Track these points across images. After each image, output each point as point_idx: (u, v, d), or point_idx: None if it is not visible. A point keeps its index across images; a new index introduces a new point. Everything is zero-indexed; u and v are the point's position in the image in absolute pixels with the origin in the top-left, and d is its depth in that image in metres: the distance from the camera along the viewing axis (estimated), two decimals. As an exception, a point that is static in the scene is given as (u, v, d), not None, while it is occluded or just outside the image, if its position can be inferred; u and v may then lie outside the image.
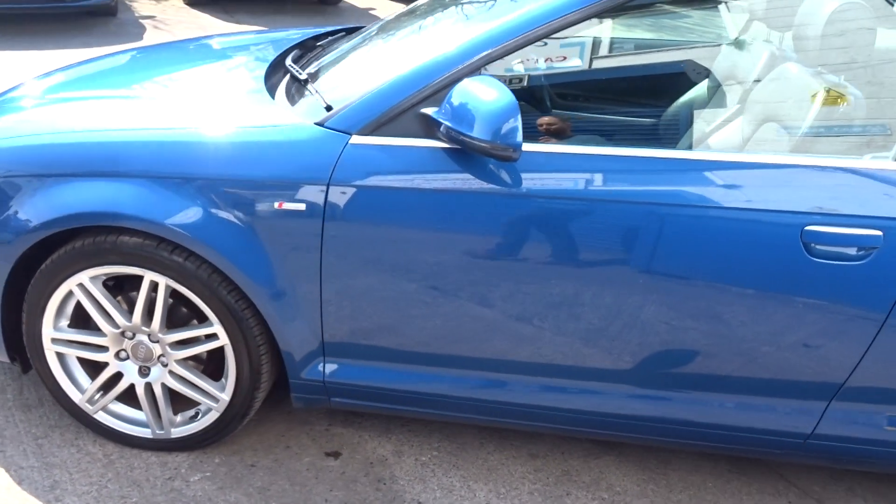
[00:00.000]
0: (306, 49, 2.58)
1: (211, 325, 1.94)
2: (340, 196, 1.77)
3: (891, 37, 2.12)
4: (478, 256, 1.77)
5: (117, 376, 2.07)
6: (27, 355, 2.11)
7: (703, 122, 2.50)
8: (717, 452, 2.09)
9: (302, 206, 1.79)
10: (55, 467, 2.04)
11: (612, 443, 2.27)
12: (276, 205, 1.80)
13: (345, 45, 2.40)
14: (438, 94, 1.75)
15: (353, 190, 1.77)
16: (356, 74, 2.03)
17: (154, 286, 1.92)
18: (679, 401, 1.89)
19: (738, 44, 2.77)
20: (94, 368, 2.11)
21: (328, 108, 1.86)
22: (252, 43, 2.72)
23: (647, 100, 2.95)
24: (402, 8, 2.69)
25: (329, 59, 2.28)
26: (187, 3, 8.54)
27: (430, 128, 1.75)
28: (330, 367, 1.98)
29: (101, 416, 2.12)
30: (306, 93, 2.02)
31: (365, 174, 1.77)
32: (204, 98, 2.08)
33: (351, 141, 1.79)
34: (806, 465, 2.24)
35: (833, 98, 2.15)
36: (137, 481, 2.02)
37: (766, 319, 1.74)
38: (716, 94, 2.65)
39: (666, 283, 1.74)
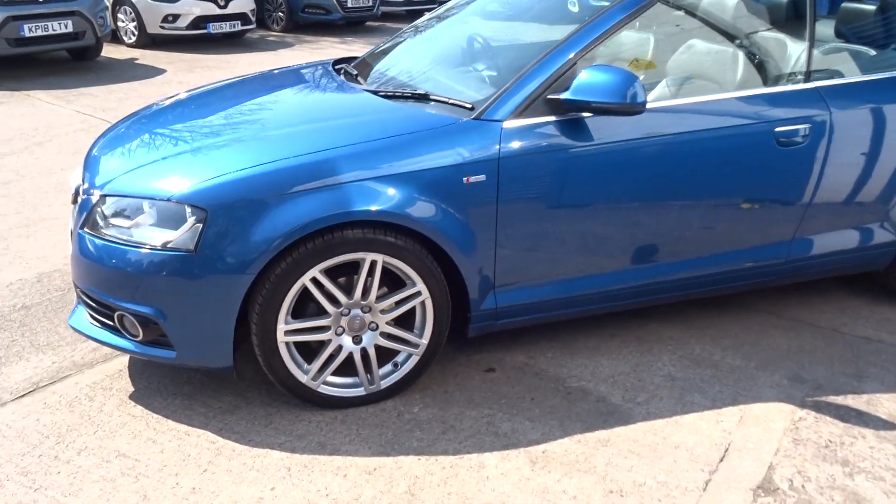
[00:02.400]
0: (351, 73, 3.20)
1: (414, 285, 2.53)
2: (507, 164, 2.50)
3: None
4: (608, 188, 2.62)
5: (335, 350, 2.54)
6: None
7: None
8: (735, 292, 3.13)
9: (483, 178, 2.49)
10: (306, 436, 2.47)
11: (647, 313, 3.23)
12: (465, 180, 2.48)
13: (408, 59, 3.14)
14: (554, 83, 2.56)
15: (515, 158, 2.51)
16: (467, 79, 2.76)
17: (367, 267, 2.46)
18: (719, 258, 2.92)
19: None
20: (307, 351, 2.55)
21: (469, 107, 2.57)
22: (285, 76, 3.25)
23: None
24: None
25: (415, 72, 2.97)
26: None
27: (554, 107, 2.56)
28: (500, 297, 2.67)
29: (323, 389, 2.57)
30: (432, 101, 2.69)
31: (520, 146, 2.52)
32: (363, 114, 2.65)
33: (504, 126, 2.53)
34: (754, 295, 3.41)
35: (644, 64, 3.34)
36: (379, 424, 2.53)
37: (763, 187, 2.83)
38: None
39: (718, 174, 2.75)
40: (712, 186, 2.77)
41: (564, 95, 2.53)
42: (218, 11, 10.28)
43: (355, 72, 3.25)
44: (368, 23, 13.38)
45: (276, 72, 3.53)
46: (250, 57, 9.82)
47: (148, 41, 10.34)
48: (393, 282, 2.56)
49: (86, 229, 2.50)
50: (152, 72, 8.65)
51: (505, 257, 2.62)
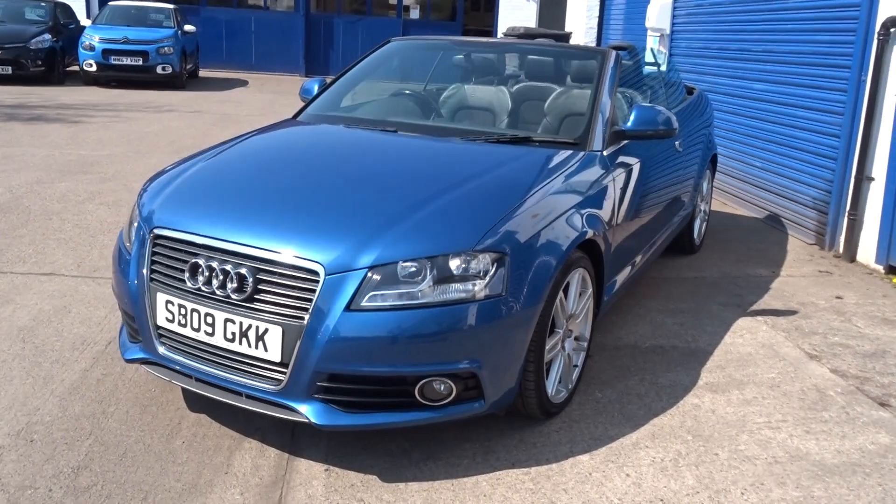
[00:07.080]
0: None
1: (588, 290, 3.04)
2: (616, 176, 3.25)
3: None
4: (649, 185, 3.55)
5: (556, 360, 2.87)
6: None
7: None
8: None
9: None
10: (575, 440, 2.75)
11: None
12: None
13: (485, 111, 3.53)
14: (610, 121, 3.38)
15: (617, 172, 3.27)
16: (556, 120, 3.34)
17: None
18: (668, 228, 4.09)
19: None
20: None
21: (575, 143, 3.21)
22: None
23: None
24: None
25: (499, 118, 3.36)
26: None
27: (618, 136, 3.38)
28: (607, 290, 3.34)
29: (554, 398, 2.86)
30: (536, 142, 3.20)
31: (617, 164, 3.30)
32: (515, 159, 3.01)
33: (604, 153, 3.25)
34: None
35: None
36: (596, 412, 2.94)
37: (676, 178, 4.12)
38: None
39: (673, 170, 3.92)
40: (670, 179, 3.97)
41: (627, 127, 3.36)
42: None
43: (393, 129, 3.41)
44: None
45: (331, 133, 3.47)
46: None
47: None
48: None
49: (352, 309, 2.32)
50: None
51: (611, 255, 3.31)
